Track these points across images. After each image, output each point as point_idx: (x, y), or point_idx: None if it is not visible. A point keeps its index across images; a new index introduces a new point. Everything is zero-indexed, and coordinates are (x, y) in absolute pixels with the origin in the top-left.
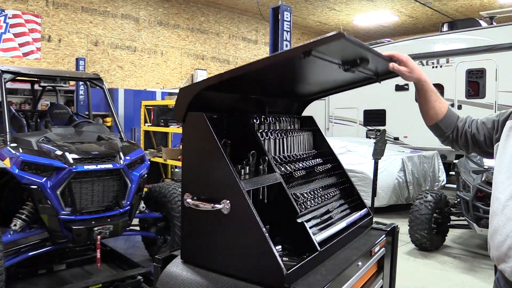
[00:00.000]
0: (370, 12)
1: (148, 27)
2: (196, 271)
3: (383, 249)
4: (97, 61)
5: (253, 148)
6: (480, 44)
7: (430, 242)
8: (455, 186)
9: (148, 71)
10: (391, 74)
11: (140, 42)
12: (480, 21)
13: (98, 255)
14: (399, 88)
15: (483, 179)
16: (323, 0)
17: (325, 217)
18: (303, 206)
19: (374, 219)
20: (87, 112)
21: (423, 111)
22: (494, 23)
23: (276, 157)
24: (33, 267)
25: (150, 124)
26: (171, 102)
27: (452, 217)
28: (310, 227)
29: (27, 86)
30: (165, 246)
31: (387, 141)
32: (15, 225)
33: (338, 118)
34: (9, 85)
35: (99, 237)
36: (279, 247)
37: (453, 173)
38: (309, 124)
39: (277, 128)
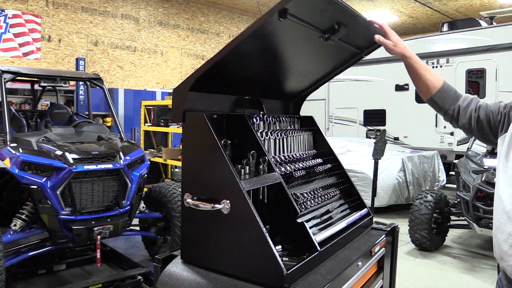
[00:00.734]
0: (370, 12)
1: (148, 27)
2: (196, 271)
3: (383, 249)
4: (97, 61)
5: (253, 148)
6: (480, 44)
7: (430, 242)
8: (455, 186)
9: (148, 71)
10: (375, 45)
11: (140, 42)
12: (480, 21)
13: (98, 255)
14: (399, 88)
15: (483, 179)
16: None
17: (325, 217)
18: (303, 206)
19: (374, 219)
20: (87, 112)
21: (417, 86)
22: (494, 23)
23: (276, 157)
24: (33, 267)
25: (150, 124)
26: (171, 102)
27: (452, 217)
28: (310, 227)
29: (27, 86)
30: (165, 246)
31: (387, 141)
32: (15, 225)
33: (338, 118)
34: (9, 85)
35: (99, 237)
36: (279, 247)
37: (453, 173)
38: (309, 124)
39: (277, 128)
